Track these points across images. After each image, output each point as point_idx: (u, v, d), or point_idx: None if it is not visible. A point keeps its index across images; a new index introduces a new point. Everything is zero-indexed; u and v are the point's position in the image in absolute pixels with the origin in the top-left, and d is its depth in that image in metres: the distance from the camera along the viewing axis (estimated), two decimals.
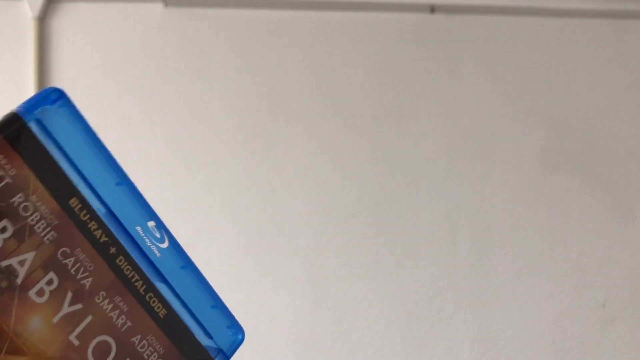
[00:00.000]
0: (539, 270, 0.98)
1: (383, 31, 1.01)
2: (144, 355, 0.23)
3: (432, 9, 1.01)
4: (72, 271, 0.22)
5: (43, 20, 0.97)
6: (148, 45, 0.98)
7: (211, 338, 0.25)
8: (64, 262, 0.22)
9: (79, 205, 0.22)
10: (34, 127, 0.21)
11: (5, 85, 0.96)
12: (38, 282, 0.21)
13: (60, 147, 0.22)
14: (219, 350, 0.26)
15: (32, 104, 0.22)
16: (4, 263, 0.20)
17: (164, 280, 0.24)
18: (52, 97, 0.22)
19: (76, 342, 0.22)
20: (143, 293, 0.24)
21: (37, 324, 0.21)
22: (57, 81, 0.96)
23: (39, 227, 0.21)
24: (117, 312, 0.23)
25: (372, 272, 0.96)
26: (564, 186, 1.00)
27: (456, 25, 1.02)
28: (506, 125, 1.00)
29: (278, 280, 0.95)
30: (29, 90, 0.95)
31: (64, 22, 0.98)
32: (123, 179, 0.24)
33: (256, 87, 0.99)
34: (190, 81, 0.98)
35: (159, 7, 0.99)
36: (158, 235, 0.24)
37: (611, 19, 1.03)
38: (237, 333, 0.26)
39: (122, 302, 0.23)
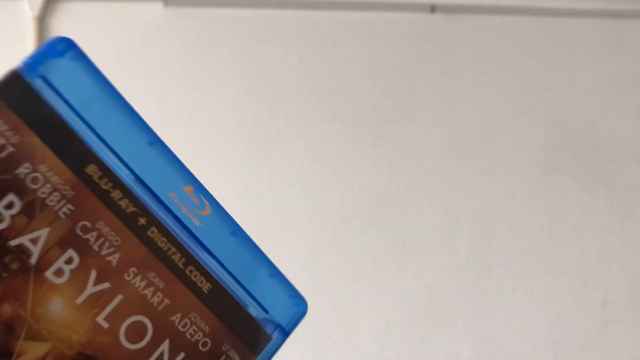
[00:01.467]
0: (539, 270, 0.98)
1: (383, 31, 1.01)
2: (187, 334, 0.21)
3: (432, 9, 1.01)
4: (95, 247, 0.20)
5: (43, 20, 0.97)
6: (148, 45, 0.98)
7: (267, 312, 0.23)
8: (84, 237, 0.20)
9: (99, 173, 0.20)
10: (38, 85, 0.19)
11: None
12: (55, 261, 0.19)
13: (72, 107, 0.19)
14: (277, 325, 0.23)
15: (35, 59, 0.19)
16: (14, 242, 0.18)
17: (208, 251, 0.22)
18: (59, 49, 0.19)
19: (105, 324, 0.20)
20: (182, 267, 0.21)
21: (58, 307, 0.19)
22: None
23: (51, 200, 0.19)
24: (151, 289, 0.21)
25: (372, 272, 0.96)
26: (564, 186, 1.00)
27: (456, 25, 1.02)
28: (506, 125, 1.00)
29: None
30: None
31: (64, 22, 0.98)
32: (154, 138, 0.21)
33: (256, 87, 0.99)
34: (190, 81, 0.98)
35: (159, 7, 0.99)
36: (197, 202, 0.22)
37: (611, 19, 1.03)
38: (297, 304, 0.23)
39: (157, 278, 0.21)
